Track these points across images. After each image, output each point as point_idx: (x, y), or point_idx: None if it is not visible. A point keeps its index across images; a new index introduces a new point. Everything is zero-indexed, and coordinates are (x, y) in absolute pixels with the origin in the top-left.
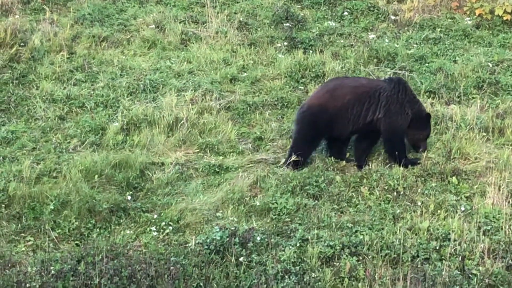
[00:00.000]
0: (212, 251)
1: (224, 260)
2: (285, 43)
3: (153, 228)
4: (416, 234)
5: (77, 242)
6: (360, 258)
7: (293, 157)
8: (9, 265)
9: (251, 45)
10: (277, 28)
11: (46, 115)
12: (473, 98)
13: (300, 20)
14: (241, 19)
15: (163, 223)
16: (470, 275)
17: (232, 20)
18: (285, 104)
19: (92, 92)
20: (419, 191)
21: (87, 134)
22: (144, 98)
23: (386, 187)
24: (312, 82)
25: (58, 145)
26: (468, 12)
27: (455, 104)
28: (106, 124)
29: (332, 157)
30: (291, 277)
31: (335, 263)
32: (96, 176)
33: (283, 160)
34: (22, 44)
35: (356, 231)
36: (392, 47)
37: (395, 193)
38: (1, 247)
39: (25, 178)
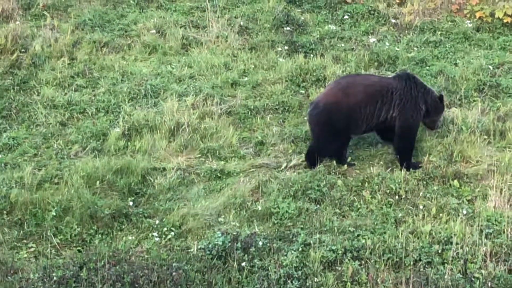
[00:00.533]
0: (214, 256)
1: (226, 265)
2: (286, 47)
3: (155, 234)
4: (418, 238)
5: (79, 248)
6: (363, 262)
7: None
8: (12, 272)
9: (251, 49)
10: (277, 32)
11: (47, 121)
12: (474, 101)
13: (301, 24)
14: (241, 23)
15: (165, 229)
16: (473, 279)
17: (232, 25)
18: (286, 108)
19: (93, 97)
20: (420, 194)
21: (89, 140)
22: (145, 103)
23: (387, 191)
24: (313, 86)
25: (60, 151)
26: (468, 15)
27: (456, 107)
28: (107, 129)
29: (307, 162)
30: (293, 282)
31: (337, 268)
32: (98, 182)
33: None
34: (23, 50)
35: (358, 235)
36: (392, 50)
37: (397, 196)
38: (3, 254)
39: (26, 184)
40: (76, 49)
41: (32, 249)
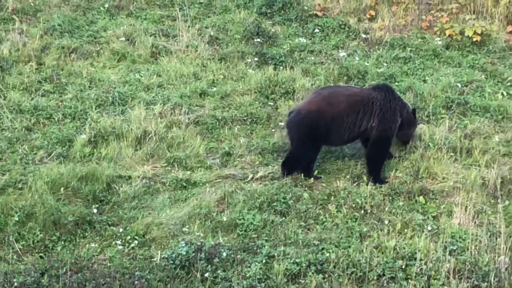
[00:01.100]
0: (178, 266)
1: (190, 276)
2: (256, 59)
3: (119, 242)
4: (382, 253)
5: (41, 254)
6: (326, 275)
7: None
8: None
9: (221, 59)
10: (248, 44)
11: (13, 125)
12: (441, 118)
13: (271, 36)
14: (212, 33)
15: (129, 237)
16: None
17: (203, 35)
18: (255, 119)
19: (60, 103)
20: (386, 209)
21: (54, 145)
22: (112, 111)
23: (353, 205)
24: (282, 98)
25: (25, 156)
26: (438, 32)
27: (424, 124)
28: (73, 136)
29: (283, 172)
30: None
31: (301, 280)
32: (62, 188)
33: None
34: None
35: (322, 249)
36: (362, 65)
37: (362, 211)
38: None
39: None
40: (44, 54)
41: None
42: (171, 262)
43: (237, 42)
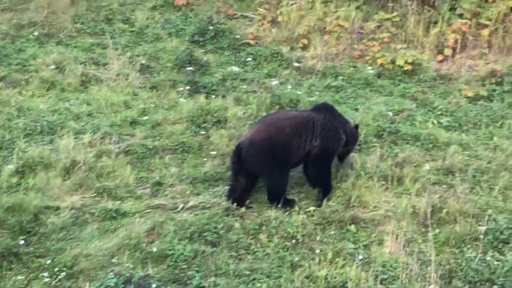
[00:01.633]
0: None
1: None
2: (188, 87)
3: (46, 274)
4: (313, 283)
5: None
6: None
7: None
8: None
9: (152, 88)
10: (179, 72)
11: None
12: (373, 146)
13: (204, 64)
14: (143, 62)
15: (57, 269)
16: None
17: (134, 63)
18: (186, 149)
19: None
20: (317, 238)
21: None
22: (41, 140)
23: (285, 235)
24: (214, 127)
25: None
26: (370, 61)
27: (355, 152)
28: (0, 166)
29: (232, 202)
30: None
31: None
32: None
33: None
34: None
35: (253, 279)
36: (294, 93)
37: (294, 240)
38: None
39: None
40: None
41: None
42: None
43: (169, 71)
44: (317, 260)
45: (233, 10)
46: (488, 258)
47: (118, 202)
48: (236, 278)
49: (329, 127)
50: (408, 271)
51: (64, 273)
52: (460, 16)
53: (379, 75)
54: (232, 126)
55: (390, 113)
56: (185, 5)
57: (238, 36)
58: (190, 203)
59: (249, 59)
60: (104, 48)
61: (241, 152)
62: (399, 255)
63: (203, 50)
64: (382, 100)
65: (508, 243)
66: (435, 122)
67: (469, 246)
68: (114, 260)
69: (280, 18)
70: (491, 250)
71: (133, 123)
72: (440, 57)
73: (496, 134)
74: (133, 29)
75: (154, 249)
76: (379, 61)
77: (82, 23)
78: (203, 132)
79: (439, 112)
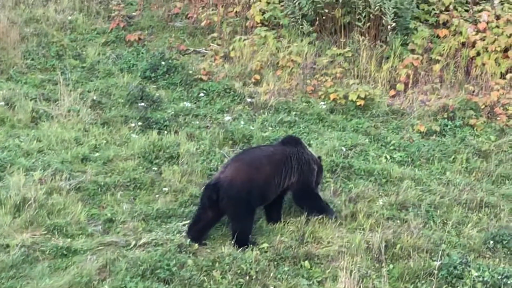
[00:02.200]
0: None
1: None
2: (140, 123)
3: None
4: None
5: None
6: None
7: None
8: None
9: (104, 124)
10: (131, 108)
11: None
12: (326, 182)
13: (156, 100)
14: (94, 97)
15: None
16: None
17: (85, 99)
18: (138, 185)
19: None
20: (271, 275)
21: None
22: None
23: (238, 271)
24: (166, 163)
25: None
26: (322, 97)
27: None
28: None
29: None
30: None
31: None
32: None
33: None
34: None
35: None
36: (247, 129)
37: (247, 277)
38: None
39: None
40: None
41: None
42: None
43: (121, 106)
44: None
45: (186, 45)
46: None
47: (69, 239)
48: None
49: (303, 160)
50: None
51: None
52: (412, 51)
53: (332, 110)
54: (185, 162)
55: (343, 148)
56: (137, 41)
57: (190, 72)
58: (142, 240)
59: (202, 94)
60: (55, 84)
61: (219, 190)
62: None
63: (155, 86)
64: (335, 135)
65: (461, 278)
66: (388, 157)
67: (423, 281)
68: None
69: (232, 54)
70: (445, 286)
71: (85, 159)
72: (392, 92)
73: (449, 169)
74: (84, 64)
75: (106, 287)
76: (332, 96)
77: (32, 59)
78: (155, 168)
79: (392, 147)
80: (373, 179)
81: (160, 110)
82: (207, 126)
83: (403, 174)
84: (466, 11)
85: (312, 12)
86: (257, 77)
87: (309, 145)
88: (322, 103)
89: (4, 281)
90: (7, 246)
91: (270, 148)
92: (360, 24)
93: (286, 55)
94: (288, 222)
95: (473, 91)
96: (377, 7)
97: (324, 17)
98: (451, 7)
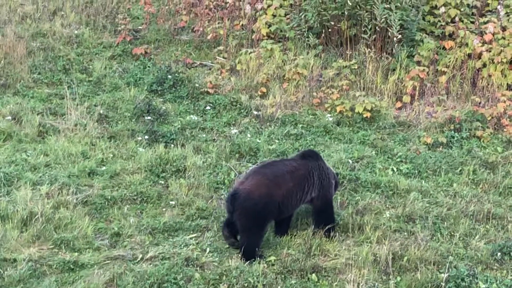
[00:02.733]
0: None
1: None
2: (146, 137)
3: None
4: None
5: None
6: None
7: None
8: None
9: (111, 138)
10: (138, 121)
11: None
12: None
13: (162, 113)
14: (101, 111)
15: None
16: None
17: (92, 113)
18: (145, 199)
19: None
20: None
21: None
22: None
23: (245, 284)
24: (173, 176)
25: None
26: (329, 109)
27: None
28: None
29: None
30: None
31: None
32: None
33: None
34: None
35: None
36: (254, 142)
37: None
38: None
39: None
40: None
41: None
42: None
43: (127, 120)
44: None
45: (192, 59)
46: None
47: (76, 253)
48: None
49: (324, 176)
50: None
51: None
52: (418, 63)
53: (338, 123)
54: (192, 175)
55: (350, 161)
56: (143, 54)
57: (197, 85)
58: (149, 254)
59: (208, 107)
60: (61, 98)
61: (236, 201)
62: None
63: (161, 99)
64: (342, 148)
65: None
66: (395, 169)
67: None
68: None
69: (238, 67)
70: None
71: (91, 173)
72: (398, 104)
73: (456, 180)
74: (90, 78)
75: None
76: (338, 109)
77: (39, 73)
78: (162, 182)
79: (398, 159)
80: (380, 191)
81: (167, 124)
82: (214, 139)
83: (410, 186)
84: (472, 22)
85: (318, 25)
86: (264, 89)
87: None
88: (328, 115)
89: None
90: (15, 260)
91: (293, 163)
92: (366, 36)
93: (292, 67)
94: (295, 235)
95: (480, 103)
96: (383, 19)
97: (330, 30)
98: (457, 18)
